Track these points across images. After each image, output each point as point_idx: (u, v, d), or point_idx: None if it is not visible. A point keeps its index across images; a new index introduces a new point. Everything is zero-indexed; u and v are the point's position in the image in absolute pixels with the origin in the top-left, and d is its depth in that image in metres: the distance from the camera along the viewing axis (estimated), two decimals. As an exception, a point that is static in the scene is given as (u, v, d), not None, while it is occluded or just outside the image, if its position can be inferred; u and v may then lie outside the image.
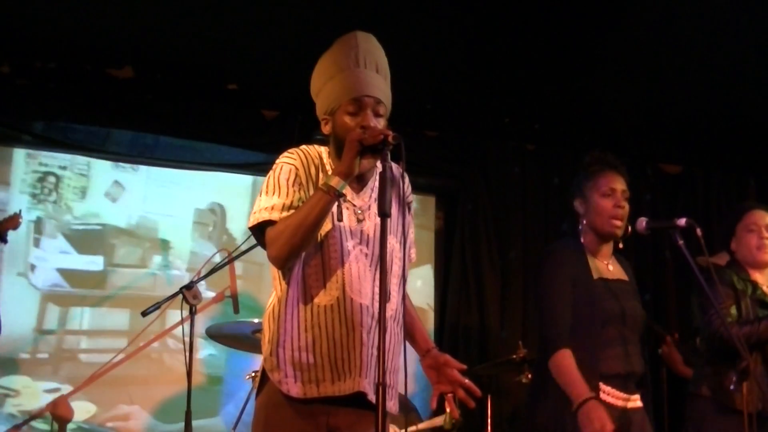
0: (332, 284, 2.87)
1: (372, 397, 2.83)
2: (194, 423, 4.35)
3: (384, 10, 5.17)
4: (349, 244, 2.90)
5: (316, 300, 2.87)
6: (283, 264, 2.85)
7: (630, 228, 3.88)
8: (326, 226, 2.87)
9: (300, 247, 2.80)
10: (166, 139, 6.04)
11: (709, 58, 5.72)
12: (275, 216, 2.82)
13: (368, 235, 2.94)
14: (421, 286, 6.46)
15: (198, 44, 5.57)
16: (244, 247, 5.02)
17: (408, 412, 5.14)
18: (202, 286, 4.56)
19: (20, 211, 4.49)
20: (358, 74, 2.92)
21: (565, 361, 3.72)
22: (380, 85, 2.95)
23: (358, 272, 2.90)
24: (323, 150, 3.02)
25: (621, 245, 3.95)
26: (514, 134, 6.75)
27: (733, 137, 6.80)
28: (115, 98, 5.84)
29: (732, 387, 4.25)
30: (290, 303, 2.88)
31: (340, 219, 2.90)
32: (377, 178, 3.01)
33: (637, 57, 5.76)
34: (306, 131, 5.86)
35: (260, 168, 6.03)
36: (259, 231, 2.87)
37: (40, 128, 5.79)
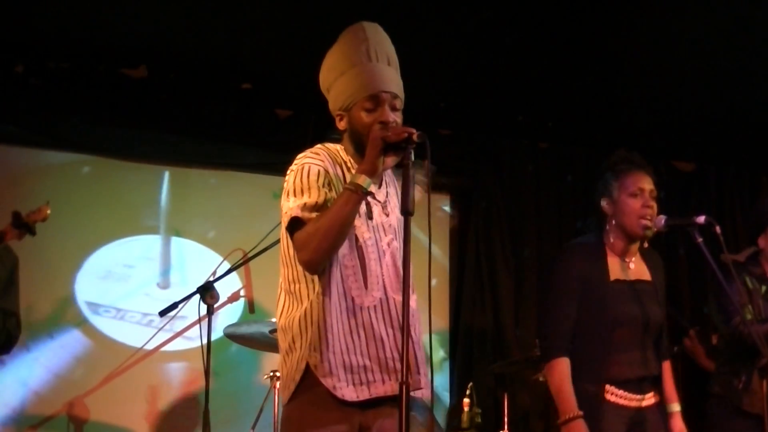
0: (373, 285, 2.88)
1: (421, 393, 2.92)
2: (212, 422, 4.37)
3: (397, 8, 5.16)
4: (384, 242, 2.92)
5: (358, 302, 2.86)
6: (317, 268, 2.81)
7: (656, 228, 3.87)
8: (361, 227, 2.88)
9: (333, 249, 2.78)
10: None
11: (722, 55, 5.71)
12: (305, 215, 2.78)
13: (395, 229, 2.97)
14: (435, 284, 6.46)
15: (212, 44, 5.57)
16: (260, 248, 5.05)
17: (425, 414, 5.14)
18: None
19: (48, 202, 4.37)
20: (372, 69, 2.90)
21: (559, 371, 3.76)
22: (394, 79, 2.94)
23: (395, 270, 2.92)
24: (339, 147, 3.01)
25: (646, 244, 3.93)
26: (528, 132, 6.75)
27: (746, 134, 6.79)
28: (129, 98, 5.84)
29: (741, 386, 4.26)
30: (333, 306, 2.84)
31: (370, 217, 2.90)
32: (388, 174, 3.03)
33: (650, 54, 5.74)
34: (320, 130, 5.85)
35: (274, 167, 6.03)
36: (291, 232, 2.84)
37: (61, 129, 5.78)
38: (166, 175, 6.11)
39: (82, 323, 5.74)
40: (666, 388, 3.92)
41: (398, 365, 2.82)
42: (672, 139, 6.85)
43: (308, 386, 2.85)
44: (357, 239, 2.87)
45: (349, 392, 2.83)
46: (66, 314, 5.72)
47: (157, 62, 5.80)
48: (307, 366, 2.84)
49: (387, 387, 2.86)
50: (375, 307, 2.87)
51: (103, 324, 5.78)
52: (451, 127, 6.61)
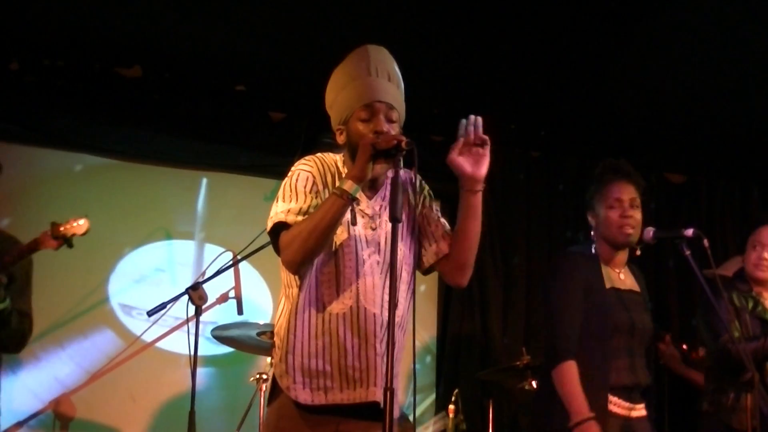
0: (346, 293, 2.88)
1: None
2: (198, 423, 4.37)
3: (391, 14, 5.17)
4: (365, 253, 2.92)
5: (328, 308, 2.88)
6: (297, 269, 2.85)
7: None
8: (342, 235, 2.89)
9: (314, 252, 2.81)
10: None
11: (714, 68, 5.73)
12: (291, 219, 2.83)
13: (380, 243, 2.95)
14: (424, 290, 6.46)
15: (207, 45, 5.58)
16: (249, 249, 5.04)
17: (403, 421, 5.15)
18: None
19: (86, 216, 4.24)
20: (369, 82, 2.94)
21: (570, 374, 3.71)
22: (392, 92, 2.97)
23: (372, 281, 2.91)
24: (338, 158, 3.04)
25: (638, 252, 3.95)
26: (520, 141, 6.75)
27: (737, 147, 6.82)
28: (123, 97, 5.84)
29: (729, 404, 4.28)
30: (301, 309, 2.89)
31: (354, 223, 2.91)
32: (388, 185, 3.03)
33: (642, 66, 5.77)
34: (312, 134, 5.87)
35: (266, 170, 6.04)
36: (275, 236, 2.88)
37: (55, 127, 5.77)
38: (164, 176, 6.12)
39: (116, 324, 5.78)
40: None
41: (358, 375, 2.86)
42: (663, 151, 6.87)
43: (278, 389, 2.92)
44: (335, 246, 2.89)
45: (304, 395, 2.86)
46: (100, 315, 5.77)
47: (152, 62, 5.81)
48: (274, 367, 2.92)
49: (344, 395, 2.87)
50: (344, 314, 2.87)
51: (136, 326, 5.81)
52: (443, 134, 6.60)
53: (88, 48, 5.63)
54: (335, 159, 3.03)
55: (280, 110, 6.23)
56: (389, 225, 2.86)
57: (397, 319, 2.88)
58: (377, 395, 2.85)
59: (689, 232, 3.75)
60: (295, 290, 2.92)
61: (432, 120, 6.34)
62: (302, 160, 3.00)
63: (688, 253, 3.74)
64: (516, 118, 6.53)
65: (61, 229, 4.19)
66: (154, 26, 5.40)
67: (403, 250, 2.99)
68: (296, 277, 2.92)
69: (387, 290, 2.83)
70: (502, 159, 6.77)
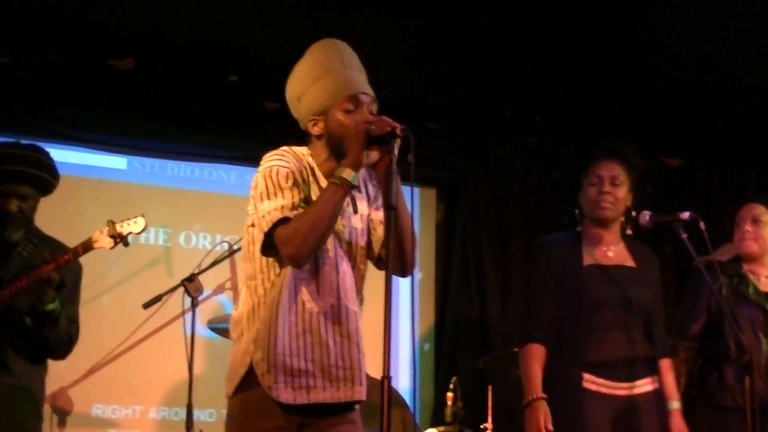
0: (326, 290, 2.86)
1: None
2: (195, 414, 4.37)
3: (386, 3, 5.16)
4: (342, 248, 2.91)
5: (308, 306, 2.85)
6: (302, 262, 2.78)
7: (634, 213, 3.89)
8: None
9: (318, 244, 2.77)
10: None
11: (711, 51, 5.73)
12: (288, 214, 2.77)
13: (346, 236, 2.93)
14: (422, 278, 6.46)
15: (200, 35, 5.56)
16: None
17: (402, 408, 5.15)
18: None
19: (143, 215, 4.18)
20: (350, 74, 2.93)
21: (529, 356, 3.85)
22: (369, 86, 2.96)
23: (353, 278, 2.91)
24: (305, 150, 2.99)
25: (630, 231, 3.96)
26: (516, 127, 6.75)
27: (734, 131, 6.82)
28: (116, 90, 5.82)
29: (713, 383, 4.29)
30: (282, 308, 2.83)
31: (355, 211, 2.92)
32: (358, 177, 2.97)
33: (638, 50, 5.77)
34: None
35: (261, 161, 6.02)
36: (267, 234, 2.81)
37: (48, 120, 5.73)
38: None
39: (112, 317, 5.74)
40: (664, 385, 3.87)
41: (341, 373, 2.86)
42: (660, 135, 6.86)
43: (250, 383, 2.86)
44: None
45: (286, 394, 2.82)
46: (96, 308, 5.67)
47: (145, 54, 5.79)
48: (252, 362, 2.85)
49: (327, 394, 2.85)
50: (326, 313, 2.85)
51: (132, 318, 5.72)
52: (439, 121, 6.60)
53: (80, 40, 5.61)
54: (303, 152, 2.98)
55: (274, 100, 6.21)
56: (354, 218, 2.92)
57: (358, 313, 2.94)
58: (363, 394, 2.87)
59: (686, 215, 3.75)
60: (259, 283, 2.87)
61: (427, 107, 6.34)
62: (274, 154, 2.92)
63: (684, 236, 3.73)
64: (511, 105, 6.53)
65: (118, 227, 4.14)
66: (147, 18, 5.38)
67: (361, 242, 2.98)
68: (267, 270, 2.87)
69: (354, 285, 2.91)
70: (497, 145, 6.77)
